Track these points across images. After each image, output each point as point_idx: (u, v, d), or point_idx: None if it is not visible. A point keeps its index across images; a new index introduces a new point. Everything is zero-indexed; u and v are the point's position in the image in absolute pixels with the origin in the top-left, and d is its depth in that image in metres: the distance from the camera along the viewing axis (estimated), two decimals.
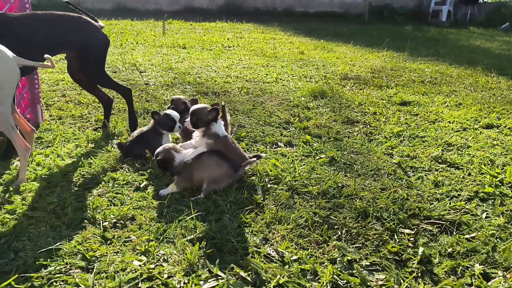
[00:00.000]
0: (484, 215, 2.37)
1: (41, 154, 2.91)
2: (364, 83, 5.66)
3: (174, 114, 2.95)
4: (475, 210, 2.42)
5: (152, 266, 1.82)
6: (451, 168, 3.01)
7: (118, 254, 1.91)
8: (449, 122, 4.07)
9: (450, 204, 2.47)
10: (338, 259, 1.94)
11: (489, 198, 2.57)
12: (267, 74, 5.98)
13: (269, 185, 2.62)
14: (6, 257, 1.85)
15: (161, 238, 2.03)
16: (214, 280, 1.75)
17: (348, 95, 5.00)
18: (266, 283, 1.76)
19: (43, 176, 2.59)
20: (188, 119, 2.63)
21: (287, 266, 1.86)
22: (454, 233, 2.19)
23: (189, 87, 5.03)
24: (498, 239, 2.12)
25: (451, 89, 5.53)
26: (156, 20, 12.26)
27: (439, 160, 3.14)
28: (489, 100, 4.91)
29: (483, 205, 2.49)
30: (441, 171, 2.94)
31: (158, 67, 6.02)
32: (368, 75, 6.21)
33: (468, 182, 2.77)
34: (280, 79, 5.76)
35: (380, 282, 1.80)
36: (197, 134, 2.65)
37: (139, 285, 1.71)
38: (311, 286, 1.75)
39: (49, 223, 2.12)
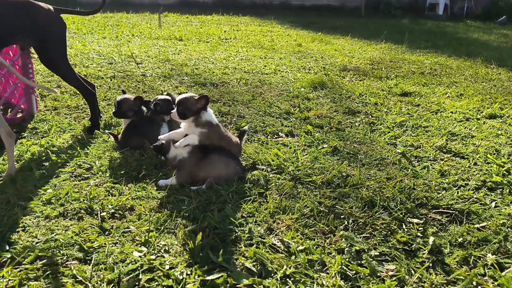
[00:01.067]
0: (493, 204, 2.31)
1: (36, 145, 2.82)
2: (363, 75, 5.58)
3: (171, 96, 2.92)
4: (484, 199, 2.36)
5: (153, 257, 1.75)
6: (457, 158, 2.95)
7: (117, 245, 1.83)
8: (452, 112, 4.00)
9: (458, 193, 2.41)
10: (346, 249, 1.87)
11: (497, 187, 2.51)
12: (265, 66, 5.89)
13: (271, 175, 2.55)
14: (0, 249, 1.77)
15: (162, 229, 1.95)
16: (218, 271, 1.67)
17: (348, 86, 4.92)
18: (272, 274, 1.68)
19: (37, 166, 2.49)
20: (174, 110, 2.43)
21: (293, 257, 1.79)
22: (464, 222, 2.13)
23: (186, 78, 4.93)
24: (509, 229, 2.06)
25: (452, 80, 5.47)
26: (152, 13, 12.12)
27: (444, 150, 3.07)
28: (490, 91, 4.85)
29: (492, 194, 2.43)
30: (446, 161, 2.88)
31: (154, 58, 5.92)
32: (367, 66, 6.14)
33: (474, 171, 2.71)
34: (279, 70, 5.68)
35: (390, 273, 1.73)
36: (185, 126, 2.48)
37: (140, 276, 1.63)
38: (319, 276, 1.68)
39: (45, 214, 2.04)
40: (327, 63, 6.34)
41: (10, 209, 2.06)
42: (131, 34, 8.23)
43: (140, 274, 1.64)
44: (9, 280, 1.59)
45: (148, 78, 4.80)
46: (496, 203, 2.33)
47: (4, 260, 1.70)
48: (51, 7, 2.90)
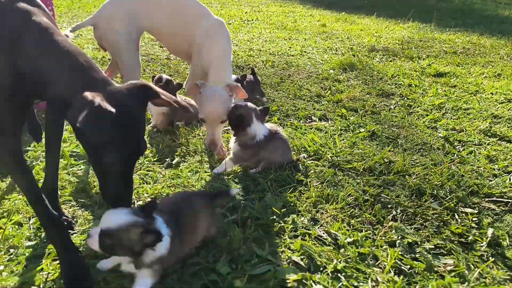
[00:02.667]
0: None
1: (66, 131, 2.75)
2: (393, 55, 5.37)
3: None
4: None
5: (195, 249, 1.66)
6: (503, 142, 2.78)
7: None
8: (492, 93, 3.80)
9: (510, 180, 2.26)
10: (398, 241, 1.75)
11: None
12: (290, 47, 5.71)
13: (309, 162, 2.43)
14: (38, 239, 1.71)
15: None
16: (264, 265, 1.58)
17: (379, 67, 4.73)
18: (321, 268, 1.59)
19: (70, 152, 2.43)
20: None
21: (342, 250, 1.69)
22: None
23: None
24: None
25: (487, 59, 5.21)
26: None
27: (489, 134, 2.90)
28: None
29: None
30: (493, 145, 2.71)
31: None
32: (397, 46, 5.90)
33: None
34: (305, 52, 5.50)
35: (448, 268, 1.61)
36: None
37: (183, 269, 1.55)
38: (372, 271, 1.57)
39: (80, 203, 1.97)
40: (354, 43, 6.13)
41: None
42: None
43: (184, 268, 1.56)
44: (49, 273, 1.53)
45: (172, 62, 4.70)
46: None
47: (43, 252, 1.65)
48: None
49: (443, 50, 5.71)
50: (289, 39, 6.34)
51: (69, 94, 1.33)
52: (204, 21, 2.62)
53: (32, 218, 1.84)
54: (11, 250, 1.64)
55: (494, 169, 2.38)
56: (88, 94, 1.25)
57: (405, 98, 3.67)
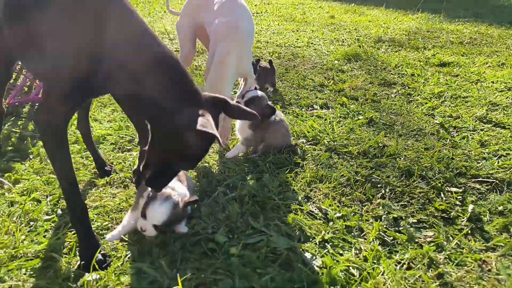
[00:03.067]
0: None
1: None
2: (399, 45, 5.44)
3: None
4: None
5: (197, 221, 1.83)
6: (497, 128, 2.87)
7: None
8: (492, 82, 3.87)
9: (498, 163, 2.37)
10: (384, 216, 1.89)
11: None
12: (297, 39, 5.83)
13: (307, 146, 2.58)
14: (55, 215, 1.89)
15: (204, 196, 2.03)
16: (258, 236, 1.73)
17: (384, 57, 4.82)
18: (311, 239, 1.74)
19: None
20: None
21: (331, 223, 1.84)
22: (505, 191, 2.10)
23: None
24: None
25: (493, 49, 5.25)
26: None
27: (484, 120, 3.00)
28: None
29: None
30: (486, 131, 2.81)
31: None
32: (403, 37, 5.96)
33: None
34: (311, 43, 5.61)
35: (428, 239, 1.75)
36: None
37: (185, 239, 1.71)
38: (357, 242, 1.72)
39: (93, 183, 2.15)
40: (361, 34, 6.20)
41: None
42: (163, 10, 8.28)
43: (186, 237, 1.73)
44: (65, 241, 1.71)
45: None
46: None
47: (59, 225, 1.83)
48: None
49: (450, 40, 5.76)
50: (297, 31, 6.45)
51: (164, 99, 1.43)
52: None
53: (50, 196, 2.03)
54: (31, 223, 1.82)
55: (484, 153, 2.49)
56: (201, 121, 1.35)
57: (406, 87, 3.77)
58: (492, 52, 5.10)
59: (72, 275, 1.53)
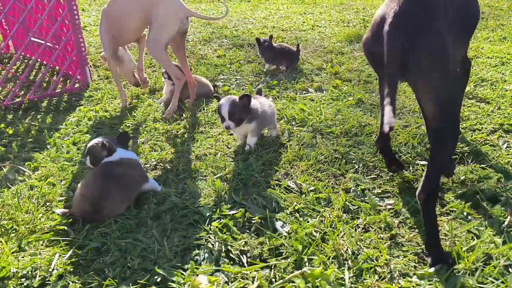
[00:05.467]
0: (504, 145, 2.42)
1: (92, 111, 3.26)
2: None
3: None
4: (497, 141, 2.46)
5: (187, 198, 2.10)
6: (481, 103, 3.01)
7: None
8: (488, 57, 3.95)
9: (471, 137, 2.53)
10: (353, 188, 2.12)
11: None
12: (304, 22, 5.97)
13: (294, 128, 2.80)
14: (66, 195, 2.21)
15: (196, 176, 2.30)
16: (238, 208, 1.99)
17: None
18: (284, 209, 1.98)
19: (93, 129, 2.93)
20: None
21: (304, 195, 2.07)
22: (470, 163, 2.27)
23: (225, 41, 5.18)
24: (511, 167, 2.19)
25: (499, 23, 5.26)
26: None
27: (470, 96, 3.13)
28: None
29: (506, 136, 2.52)
30: (469, 106, 2.96)
31: (196, 23, 6.20)
32: None
33: (496, 115, 2.78)
34: (317, 26, 5.75)
35: (389, 206, 1.96)
36: None
37: (175, 212, 1.99)
38: (324, 211, 1.95)
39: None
40: (368, 14, 6.28)
41: (74, 165, 2.51)
42: None
43: (176, 211, 2.01)
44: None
45: (189, 43, 5.11)
46: (508, 144, 2.43)
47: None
48: None
49: None
50: (305, 13, 6.58)
51: None
52: None
53: (64, 180, 2.35)
54: (47, 203, 2.14)
55: (461, 128, 2.64)
56: None
57: None
58: (498, 26, 5.11)
59: (78, 244, 1.84)
